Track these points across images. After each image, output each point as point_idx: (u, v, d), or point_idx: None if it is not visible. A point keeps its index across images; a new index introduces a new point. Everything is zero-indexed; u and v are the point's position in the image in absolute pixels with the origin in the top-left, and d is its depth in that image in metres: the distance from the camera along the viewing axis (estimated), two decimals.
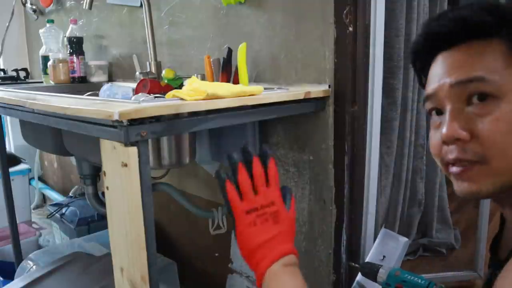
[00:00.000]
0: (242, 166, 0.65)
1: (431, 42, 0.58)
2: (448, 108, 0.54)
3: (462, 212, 2.36)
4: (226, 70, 1.19)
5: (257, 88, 0.93)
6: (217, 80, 1.19)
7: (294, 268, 0.64)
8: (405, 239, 1.10)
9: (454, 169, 0.54)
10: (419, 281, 0.79)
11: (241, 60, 1.07)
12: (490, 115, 0.50)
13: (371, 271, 0.85)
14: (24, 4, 2.46)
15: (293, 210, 0.70)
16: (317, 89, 1.05)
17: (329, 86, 1.07)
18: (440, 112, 0.56)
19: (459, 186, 0.54)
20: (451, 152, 0.53)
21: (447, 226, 2.01)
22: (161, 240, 1.74)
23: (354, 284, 1.03)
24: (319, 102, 1.08)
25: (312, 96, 1.03)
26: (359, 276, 1.01)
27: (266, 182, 0.66)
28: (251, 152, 0.66)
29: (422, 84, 0.62)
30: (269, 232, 0.62)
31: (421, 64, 0.61)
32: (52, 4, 2.22)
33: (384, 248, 1.08)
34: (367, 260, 1.07)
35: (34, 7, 2.39)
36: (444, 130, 0.53)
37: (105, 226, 1.85)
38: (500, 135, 0.50)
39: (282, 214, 0.65)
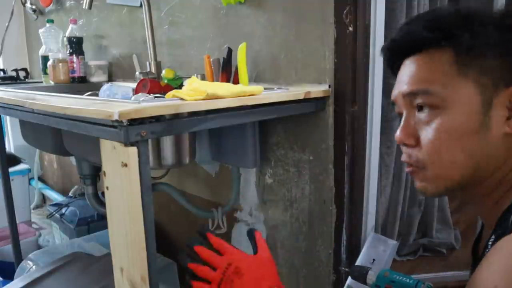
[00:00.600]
0: (192, 265, 0.70)
1: (395, 50, 0.62)
2: (404, 114, 0.59)
3: (462, 212, 2.36)
4: (226, 70, 1.19)
5: (257, 88, 0.93)
6: (217, 80, 1.19)
7: None
8: (394, 242, 1.11)
9: (407, 169, 0.60)
10: (408, 280, 0.80)
11: (241, 60, 1.07)
12: (431, 125, 0.55)
13: (360, 274, 0.86)
14: (23, 4, 2.46)
15: (264, 250, 0.74)
16: (317, 89, 1.05)
17: (329, 86, 1.07)
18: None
19: (414, 184, 0.61)
20: (403, 155, 0.60)
21: (447, 226, 2.01)
22: (161, 240, 1.74)
23: (345, 287, 1.04)
24: (319, 102, 1.08)
25: (312, 96, 1.03)
26: (349, 280, 1.01)
27: (219, 253, 0.70)
28: (191, 244, 0.71)
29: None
30: (238, 286, 0.67)
31: (393, 67, 0.65)
32: (52, 4, 2.22)
33: (374, 252, 1.09)
34: (357, 264, 1.08)
35: (33, 7, 2.39)
36: (396, 133, 0.59)
37: (105, 226, 1.84)
38: (437, 145, 0.54)
39: (244, 264, 0.68)
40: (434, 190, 0.57)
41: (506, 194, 0.55)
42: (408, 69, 0.58)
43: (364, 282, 0.86)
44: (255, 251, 0.72)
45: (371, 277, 0.84)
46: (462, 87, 0.53)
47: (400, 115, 0.61)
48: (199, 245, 0.70)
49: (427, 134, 0.55)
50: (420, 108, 0.56)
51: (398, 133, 0.59)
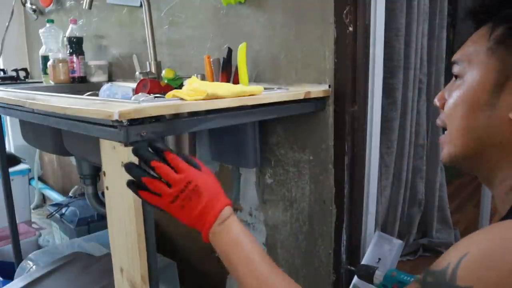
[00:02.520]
0: (146, 178, 0.68)
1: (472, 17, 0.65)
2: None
3: (462, 212, 2.36)
4: (226, 70, 1.18)
5: (257, 88, 0.93)
6: (217, 80, 1.19)
7: (229, 220, 0.70)
8: (400, 241, 1.10)
9: (440, 138, 0.65)
10: None
11: (241, 60, 1.07)
12: (453, 93, 0.60)
13: (367, 273, 0.86)
14: (24, 4, 2.46)
15: (204, 166, 0.73)
16: (317, 89, 1.05)
17: (329, 86, 1.07)
18: None
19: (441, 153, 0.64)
20: (438, 119, 0.65)
21: (447, 226, 2.01)
22: (161, 240, 1.74)
23: (351, 287, 1.03)
24: (319, 102, 1.08)
25: (312, 96, 1.03)
26: (355, 279, 1.01)
27: (174, 170, 0.69)
28: (143, 156, 0.69)
29: None
30: (198, 206, 0.68)
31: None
32: (52, 4, 2.22)
33: (379, 251, 1.08)
34: (362, 263, 1.07)
35: (34, 7, 2.39)
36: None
37: (105, 226, 1.84)
38: (450, 111, 0.60)
39: (202, 183, 0.69)
40: (446, 156, 0.61)
41: None
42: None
43: (371, 282, 0.85)
44: (199, 168, 0.71)
45: (378, 276, 0.84)
46: (483, 61, 0.56)
47: None
48: (153, 158, 0.68)
49: (448, 99, 0.60)
50: (456, 76, 0.61)
51: (436, 96, 0.64)
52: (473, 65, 0.57)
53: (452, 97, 0.59)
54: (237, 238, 0.69)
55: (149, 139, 0.70)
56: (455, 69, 0.60)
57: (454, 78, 0.62)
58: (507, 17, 0.55)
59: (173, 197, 0.67)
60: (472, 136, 0.57)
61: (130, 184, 0.69)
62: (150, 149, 0.69)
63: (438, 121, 0.64)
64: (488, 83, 0.55)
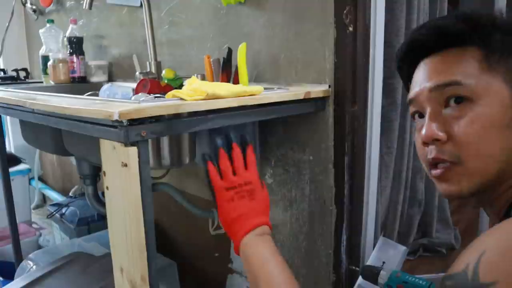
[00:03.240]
0: (223, 151, 0.74)
1: (413, 50, 0.62)
2: (427, 110, 0.58)
3: (462, 212, 2.36)
4: (226, 70, 1.19)
5: (257, 88, 0.93)
6: (217, 80, 1.19)
7: (266, 237, 0.72)
8: (404, 247, 1.11)
9: (434, 172, 0.58)
10: (421, 282, 0.79)
11: (241, 60, 1.07)
12: (465, 117, 0.54)
13: (371, 274, 0.85)
14: (24, 4, 2.46)
15: (265, 189, 0.79)
16: (317, 89, 1.05)
17: (329, 86, 1.07)
18: (422, 115, 0.60)
19: (441, 188, 0.58)
20: (430, 152, 0.57)
21: (447, 226, 2.01)
22: (161, 240, 1.74)
23: (355, 287, 1.03)
24: (319, 102, 1.08)
25: (312, 96, 1.03)
26: (360, 279, 1.01)
27: (245, 166, 0.75)
28: (232, 139, 0.76)
29: (408, 89, 0.66)
30: (245, 206, 0.71)
31: (406, 70, 0.65)
32: (52, 4, 2.22)
33: (384, 255, 1.08)
34: (367, 263, 1.07)
35: (34, 7, 2.39)
36: (423, 131, 0.57)
37: (105, 226, 1.85)
38: (473, 137, 0.53)
39: (258, 193, 0.73)
40: (467, 188, 0.55)
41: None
42: (433, 66, 0.58)
43: (375, 282, 0.85)
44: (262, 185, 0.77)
45: (383, 277, 0.84)
46: (492, 81, 0.54)
47: (417, 113, 0.61)
48: (236, 145, 0.74)
49: (460, 127, 0.54)
50: (447, 103, 0.56)
51: (426, 130, 0.57)
52: (482, 85, 0.54)
53: (471, 123, 0.53)
54: (270, 255, 0.70)
55: (242, 135, 0.76)
56: (456, 90, 0.55)
57: (441, 107, 0.56)
58: (498, 42, 0.55)
59: (231, 185, 0.70)
60: (503, 156, 0.53)
61: (204, 155, 0.74)
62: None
63: (441, 156, 0.56)
64: (508, 100, 0.53)
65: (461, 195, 0.56)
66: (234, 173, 0.71)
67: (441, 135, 0.55)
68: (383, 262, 1.05)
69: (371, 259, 1.08)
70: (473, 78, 0.54)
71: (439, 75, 0.57)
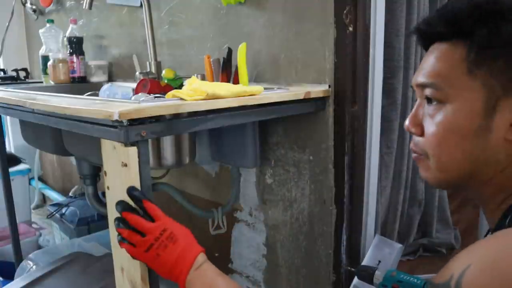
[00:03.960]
0: (119, 228, 0.72)
1: (420, 36, 0.62)
2: (416, 102, 0.60)
3: (462, 212, 2.36)
4: (226, 70, 1.19)
5: (257, 88, 0.93)
6: (217, 80, 1.19)
7: (204, 266, 0.72)
8: (400, 245, 1.11)
9: (413, 155, 0.61)
10: (415, 280, 0.79)
11: (241, 60, 1.07)
12: (434, 118, 0.56)
13: (367, 274, 0.86)
14: (24, 4, 2.46)
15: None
16: (317, 89, 1.05)
17: (329, 86, 1.07)
18: None
19: (419, 171, 0.61)
20: (411, 142, 0.61)
21: (447, 226, 2.01)
22: None
23: (351, 287, 1.04)
24: (319, 102, 1.08)
25: (312, 96, 1.03)
26: (355, 280, 1.01)
27: (152, 219, 0.72)
28: (118, 209, 0.72)
29: None
30: (173, 252, 0.70)
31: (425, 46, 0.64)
32: (52, 4, 2.22)
33: (379, 254, 1.09)
34: (362, 263, 1.08)
35: (34, 7, 2.39)
36: (405, 120, 0.61)
37: (105, 226, 1.85)
38: (436, 139, 0.55)
39: (177, 231, 0.72)
40: (434, 181, 0.58)
41: (506, 201, 0.55)
42: (427, 58, 0.58)
43: (371, 282, 0.86)
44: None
45: (378, 277, 0.84)
46: (468, 86, 0.52)
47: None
48: (128, 211, 0.71)
49: (429, 126, 0.56)
50: (429, 100, 0.57)
51: (406, 120, 0.60)
52: (455, 90, 0.53)
53: (437, 126, 0.55)
54: (212, 281, 0.71)
55: (129, 189, 0.72)
56: (431, 92, 0.55)
57: (425, 101, 0.58)
58: (483, 39, 0.52)
59: (147, 245, 0.69)
60: (468, 161, 0.54)
61: (118, 237, 0.72)
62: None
63: (414, 147, 0.60)
64: (478, 108, 0.52)
65: (429, 183, 0.59)
66: (143, 234, 0.70)
67: (415, 129, 0.59)
68: (379, 261, 1.05)
69: (367, 258, 1.09)
70: (448, 81, 0.54)
71: (422, 73, 0.57)
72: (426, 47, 0.61)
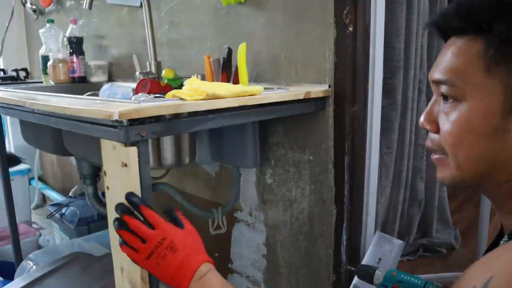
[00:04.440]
0: (121, 230, 0.71)
1: (436, 29, 0.59)
2: (432, 98, 0.58)
3: (462, 212, 2.36)
4: (226, 70, 1.18)
5: (257, 88, 0.93)
6: (217, 80, 1.19)
7: (208, 275, 0.70)
8: (400, 241, 1.10)
9: (432, 157, 0.59)
10: (416, 281, 0.79)
11: (241, 60, 1.07)
12: (450, 116, 0.54)
13: (367, 274, 0.85)
14: (24, 4, 2.46)
15: (188, 224, 0.76)
16: (317, 89, 1.05)
17: (329, 86, 1.07)
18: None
19: (436, 174, 0.59)
20: (427, 140, 0.59)
21: (447, 226, 2.01)
22: None
23: (351, 287, 1.03)
24: (319, 102, 1.08)
25: (312, 96, 1.03)
26: (356, 279, 1.01)
27: (151, 226, 0.71)
28: (118, 211, 0.72)
29: None
30: (173, 263, 0.69)
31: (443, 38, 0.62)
32: (52, 4, 2.22)
33: (380, 251, 1.08)
34: (363, 263, 1.08)
35: (34, 7, 2.39)
36: (420, 117, 0.59)
37: (105, 226, 1.85)
38: (452, 137, 0.53)
39: (178, 240, 0.70)
40: (450, 179, 0.56)
41: None
42: (443, 53, 0.56)
43: (371, 282, 0.85)
44: (181, 225, 0.74)
45: (378, 277, 0.84)
46: (485, 85, 0.50)
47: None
48: (128, 214, 0.71)
49: (444, 124, 0.55)
50: (445, 97, 0.55)
51: (421, 117, 0.58)
52: (472, 87, 0.51)
53: (452, 124, 0.53)
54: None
55: (127, 194, 0.71)
56: (446, 89, 0.53)
57: (441, 98, 0.56)
58: (502, 34, 0.49)
59: (147, 253, 0.68)
60: (484, 161, 0.52)
61: (119, 240, 0.71)
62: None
63: (430, 144, 0.58)
64: (496, 107, 0.49)
65: (446, 183, 0.57)
66: (143, 240, 0.69)
67: (430, 126, 0.57)
68: (379, 259, 1.05)
69: (367, 255, 1.08)
70: (464, 79, 0.51)
71: (437, 69, 0.55)
72: (445, 40, 0.58)
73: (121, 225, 0.71)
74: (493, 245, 0.64)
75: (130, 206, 0.72)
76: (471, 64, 0.51)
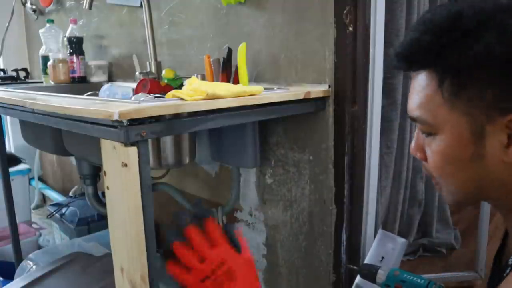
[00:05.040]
0: (177, 245, 0.63)
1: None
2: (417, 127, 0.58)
3: (462, 212, 2.36)
4: (226, 70, 1.18)
5: (257, 88, 0.93)
6: (217, 80, 1.19)
7: None
8: (403, 239, 1.10)
9: (432, 179, 0.59)
10: (419, 280, 0.79)
11: (241, 60, 1.07)
12: (429, 148, 0.54)
13: (370, 273, 0.85)
14: (24, 4, 2.46)
15: (247, 251, 0.67)
16: (317, 89, 1.05)
17: (329, 86, 1.07)
18: None
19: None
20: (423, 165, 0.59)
21: (447, 226, 2.01)
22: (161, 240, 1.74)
23: (353, 286, 1.03)
24: (319, 102, 1.08)
25: (312, 96, 1.03)
26: (358, 278, 1.01)
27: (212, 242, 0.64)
28: (182, 223, 0.64)
29: None
30: None
31: None
32: (52, 4, 2.21)
33: (382, 250, 1.08)
34: (365, 262, 1.07)
35: (34, 7, 2.39)
36: (411, 144, 0.59)
37: (105, 226, 1.85)
38: (436, 167, 0.54)
39: (236, 267, 0.63)
40: (449, 202, 0.57)
41: None
42: (411, 87, 0.55)
43: (374, 281, 0.85)
44: (239, 250, 0.66)
45: (381, 276, 0.83)
46: (450, 117, 0.50)
47: None
48: (190, 225, 0.63)
49: (428, 155, 0.55)
50: (423, 131, 0.55)
51: (412, 144, 0.59)
52: (440, 121, 0.51)
53: (434, 156, 0.54)
54: None
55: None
56: (420, 126, 0.54)
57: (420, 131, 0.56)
58: (453, 66, 0.48)
59: (203, 275, 0.60)
60: (472, 186, 0.53)
61: (162, 251, 0.64)
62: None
63: (425, 170, 0.59)
64: (467, 137, 0.49)
65: (456, 204, 0.57)
66: (201, 259, 0.61)
67: (419, 155, 0.57)
68: (382, 257, 1.05)
69: (370, 254, 1.08)
70: (432, 114, 0.51)
71: (409, 106, 0.55)
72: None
73: (179, 236, 0.63)
74: (499, 251, 0.63)
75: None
76: (433, 99, 0.51)
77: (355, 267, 1.14)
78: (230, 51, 1.19)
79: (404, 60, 0.53)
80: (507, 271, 0.49)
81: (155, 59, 1.47)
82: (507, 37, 0.45)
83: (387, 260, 1.05)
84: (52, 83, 1.77)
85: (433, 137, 0.53)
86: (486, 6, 0.47)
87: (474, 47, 0.46)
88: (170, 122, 0.78)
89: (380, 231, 1.14)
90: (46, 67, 1.80)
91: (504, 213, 0.56)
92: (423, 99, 0.52)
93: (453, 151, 0.51)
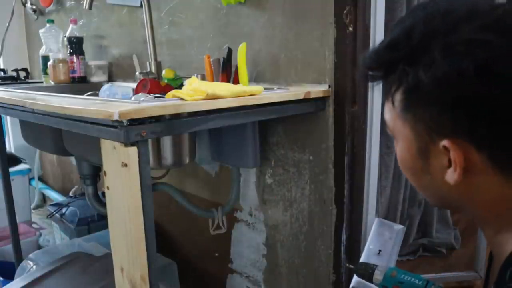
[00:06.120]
0: None
1: None
2: None
3: (462, 212, 2.36)
4: (226, 70, 1.19)
5: (257, 88, 0.93)
6: (217, 80, 1.19)
7: None
8: (400, 226, 1.09)
9: None
10: (417, 281, 0.78)
11: (241, 60, 1.07)
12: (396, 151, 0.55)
13: (366, 272, 0.84)
14: (24, 4, 2.46)
15: None
16: (317, 89, 1.05)
17: (329, 86, 1.07)
18: None
19: None
20: None
21: (447, 226, 2.01)
22: (161, 240, 1.74)
23: (351, 286, 1.03)
24: (319, 102, 1.08)
25: (312, 96, 1.03)
26: (355, 278, 1.00)
27: None
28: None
29: None
30: None
31: None
32: (52, 4, 2.22)
33: (380, 241, 1.07)
34: (363, 254, 1.07)
35: (34, 7, 2.39)
36: None
37: (105, 226, 1.85)
38: (401, 169, 0.55)
39: None
40: (430, 205, 0.58)
41: (504, 235, 0.49)
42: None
43: (371, 281, 0.84)
44: None
45: (378, 276, 0.82)
46: (402, 129, 0.50)
47: None
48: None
49: None
50: None
51: None
52: (396, 131, 0.52)
53: (398, 158, 0.54)
54: None
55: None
56: (388, 130, 0.54)
57: None
58: (400, 80, 0.47)
59: None
60: (435, 194, 0.53)
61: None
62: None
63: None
64: (415, 151, 0.50)
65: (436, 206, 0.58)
66: None
67: None
68: (379, 251, 1.04)
69: (367, 247, 1.07)
70: (391, 121, 0.52)
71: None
72: None
73: None
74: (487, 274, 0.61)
75: None
76: (391, 110, 0.51)
77: (351, 266, 1.14)
78: (230, 51, 1.19)
79: (365, 70, 0.53)
80: None
81: (155, 59, 1.47)
82: (440, 65, 0.42)
83: (385, 252, 1.04)
84: (52, 83, 1.77)
85: (396, 141, 0.54)
86: (436, 23, 0.45)
87: (415, 67, 0.45)
88: (170, 122, 0.78)
89: (376, 219, 1.12)
90: (46, 67, 1.80)
91: (481, 226, 0.54)
92: (386, 107, 0.52)
93: (407, 161, 0.52)
